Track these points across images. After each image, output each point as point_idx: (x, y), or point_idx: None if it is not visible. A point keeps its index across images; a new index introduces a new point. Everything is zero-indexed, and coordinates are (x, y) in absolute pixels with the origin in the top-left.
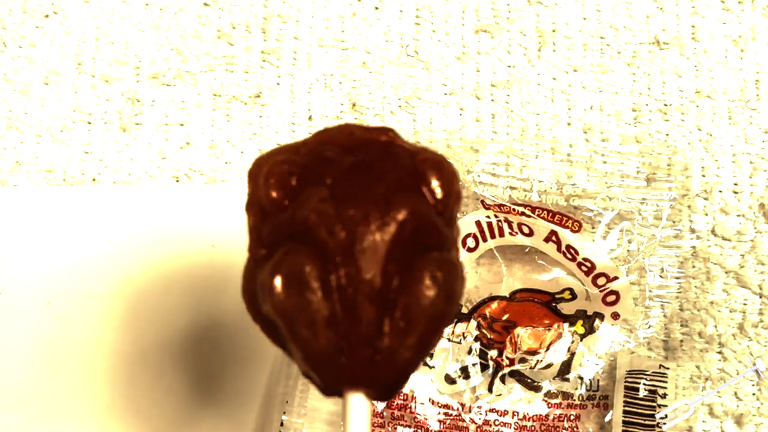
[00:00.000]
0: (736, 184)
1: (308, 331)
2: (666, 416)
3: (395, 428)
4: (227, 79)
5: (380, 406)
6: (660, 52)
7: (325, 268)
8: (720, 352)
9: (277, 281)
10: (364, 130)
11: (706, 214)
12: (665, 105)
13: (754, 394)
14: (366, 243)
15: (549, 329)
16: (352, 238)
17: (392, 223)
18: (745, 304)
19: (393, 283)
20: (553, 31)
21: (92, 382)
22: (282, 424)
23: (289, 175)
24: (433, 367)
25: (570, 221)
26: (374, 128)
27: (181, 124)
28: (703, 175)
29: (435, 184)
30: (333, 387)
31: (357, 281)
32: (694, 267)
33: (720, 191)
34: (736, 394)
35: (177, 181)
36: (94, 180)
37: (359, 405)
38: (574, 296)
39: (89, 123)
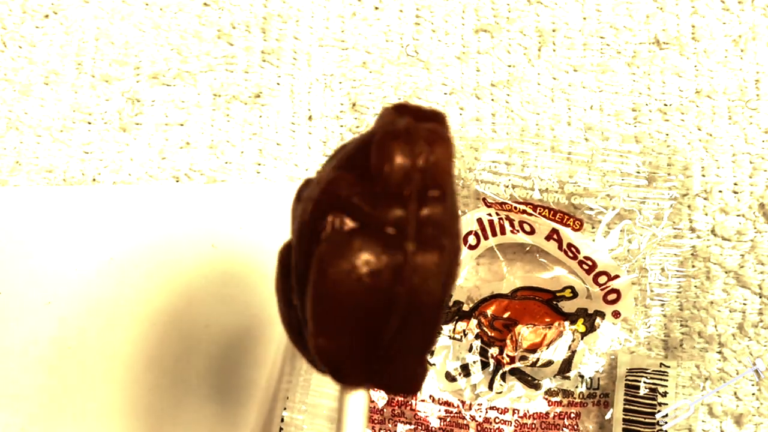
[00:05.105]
0: (736, 184)
1: (281, 316)
2: (666, 416)
3: (396, 425)
4: (227, 79)
5: (381, 402)
6: (660, 52)
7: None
8: (720, 352)
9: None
10: (385, 109)
11: (706, 214)
12: (665, 105)
13: (753, 394)
14: (297, 225)
15: (550, 327)
16: (293, 225)
17: (308, 204)
18: (745, 304)
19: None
20: (553, 31)
21: (92, 382)
22: (282, 420)
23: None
24: (434, 364)
25: (571, 220)
26: (423, 109)
27: (181, 124)
28: (703, 175)
29: (375, 157)
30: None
31: (295, 262)
32: (694, 267)
33: (720, 191)
34: (735, 394)
35: (177, 181)
36: (94, 180)
37: (352, 401)
38: (575, 294)
39: (89, 123)
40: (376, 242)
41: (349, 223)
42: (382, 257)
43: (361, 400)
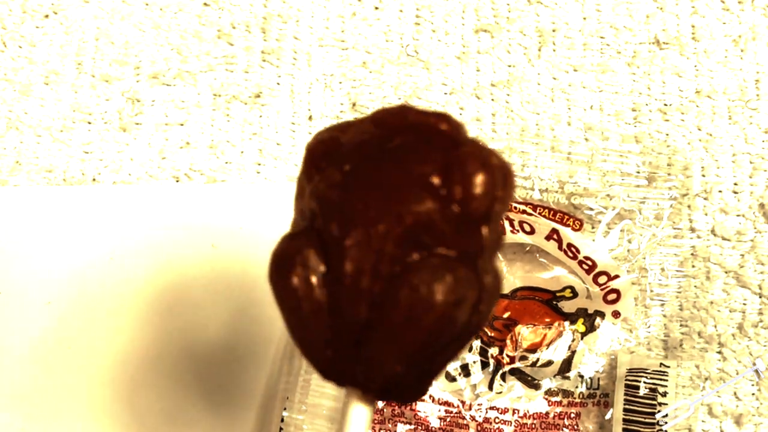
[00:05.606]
0: (736, 184)
1: (295, 318)
2: (666, 416)
3: (395, 425)
4: (227, 79)
5: (381, 403)
6: (660, 52)
7: (322, 258)
8: (720, 352)
9: (273, 261)
10: (419, 113)
11: (706, 214)
12: (665, 105)
13: (753, 394)
14: (358, 238)
15: (550, 327)
16: (347, 231)
17: (389, 220)
18: (744, 304)
19: (384, 286)
20: (553, 31)
21: (92, 382)
22: (282, 420)
23: (324, 154)
24: None
25: (571, 219)
26: (432, 113)
27: (181, 124)
28: (703, 175)
29: (463, 182)
30: (323, 376)
31: (345, 277)
32: (694, 267)
33: (720, 191)
34: (735, 394)
35: (177, 181)
36: (94, 180)
37: (359, 413)
38: (575, 294)
39: (89, 123)
40: (465, 271)
41: (444, 251)
42: (469, 287)
43: (366, 411)
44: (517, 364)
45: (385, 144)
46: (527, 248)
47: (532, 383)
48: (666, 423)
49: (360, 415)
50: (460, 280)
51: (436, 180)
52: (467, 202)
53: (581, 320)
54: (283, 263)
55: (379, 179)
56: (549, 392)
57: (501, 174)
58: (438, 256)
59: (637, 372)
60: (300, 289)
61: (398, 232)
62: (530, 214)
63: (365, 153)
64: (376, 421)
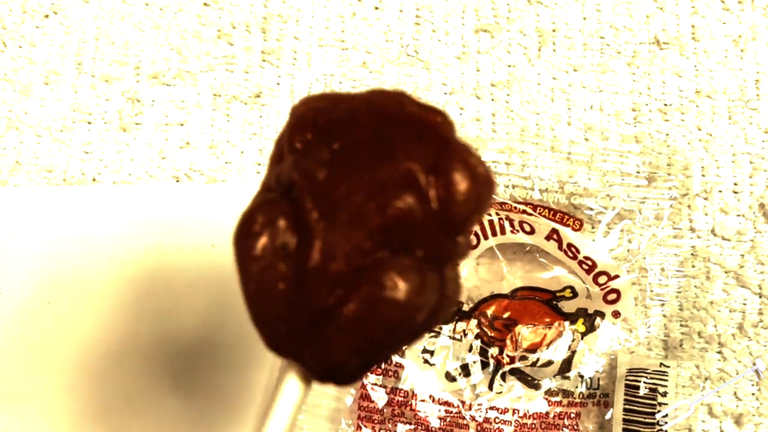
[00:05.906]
0: (736, 184)
1: (254, 286)
2: (666, 416)
3: (395, 425)
4: (227, 79)
5: (381, 402)
6: (660, 52)
7: (294, 232)
8: (720, 352)
9: (242, 223)
10: (417, 105)
11: (706, 214)
12: (665, 105)
13: (753, 394)
14: (336, 221)
15: (550, 327)
16: (328, 213)
17: (374, 213)
18: (744, 304)
19: (351, 275)
20: (553, 31)
21: (92, 382)
22: None
23: (312, 124)
24: (434, 364)
25: (571, 220)
26: (428, 108)
27: (181, 124)
28: (703, 175)
29: (448, 187)
30: (269, 347)
31: (314, 257)
32: (694, 267)
33: (720, 191)
34: (735, 393)
35: (177, 181)
36: (94, 180)
37: (293, 388)
38: (575, 294)
39: (89, 123)
40: (432, 276)
41: (416, 252)
42: (433, 292)
43: (300, 388)
44: (517, 364)
45: (378, 131)
46: (527, 248)
47: (532, 383)
48: (666, 423)
49: (293, 391)
50: (427, 284)
51: (422, 180)
52: (449, 208)
53: (581, 320)
54: (253, 228)
55: (367, 166)
56: (549, 392)
57: (485, 185)
58: (410, 256)
59: (637, 372)
60: (265, 258)
61: (377, 223)
62: (530, 214)
63: (356, 135)
64: (376, 421)
